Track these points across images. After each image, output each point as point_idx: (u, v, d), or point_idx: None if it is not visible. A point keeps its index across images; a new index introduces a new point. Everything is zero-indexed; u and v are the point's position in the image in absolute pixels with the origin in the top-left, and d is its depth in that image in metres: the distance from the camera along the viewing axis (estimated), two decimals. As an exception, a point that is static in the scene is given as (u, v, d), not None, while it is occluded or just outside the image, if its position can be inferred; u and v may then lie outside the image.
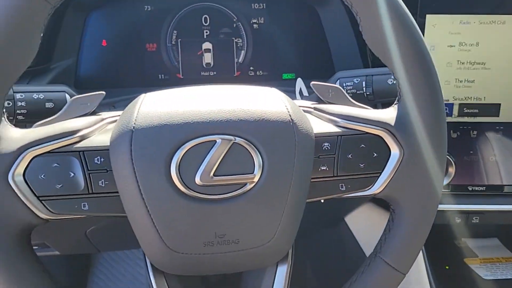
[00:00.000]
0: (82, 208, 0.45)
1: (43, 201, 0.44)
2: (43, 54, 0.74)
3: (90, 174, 0.44)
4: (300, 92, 0.71)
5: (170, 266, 0.47)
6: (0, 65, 0.41)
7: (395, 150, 0.49)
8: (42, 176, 0.44)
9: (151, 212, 0.44)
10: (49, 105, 0.60)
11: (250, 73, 0.88)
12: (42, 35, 0.43)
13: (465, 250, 0.94)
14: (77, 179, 0.44)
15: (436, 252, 0.88)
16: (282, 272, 0.54)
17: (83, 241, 0.97)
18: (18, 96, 0.59)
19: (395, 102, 0.52)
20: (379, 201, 0.95)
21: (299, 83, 0.71)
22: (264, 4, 0.87)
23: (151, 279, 0.52)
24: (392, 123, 0.49)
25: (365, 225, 0.99)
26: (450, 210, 0.81)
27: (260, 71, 0.88)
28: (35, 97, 0.60)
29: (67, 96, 0.62)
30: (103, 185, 0.45)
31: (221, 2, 0.86)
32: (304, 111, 0.51)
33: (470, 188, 0.80)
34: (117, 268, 1.38)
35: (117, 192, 0.45)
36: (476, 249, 0.94)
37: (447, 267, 0.88)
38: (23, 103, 0.59)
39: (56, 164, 0.44)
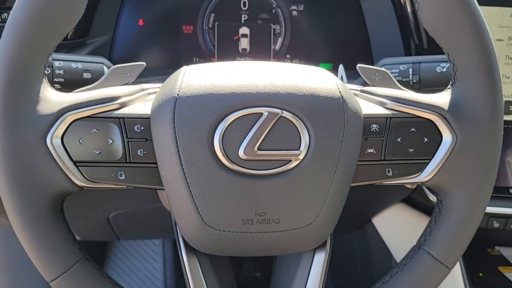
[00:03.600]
0: (119, 177, 0.44)
1: (79, 167, 0.43)
2: (80, 28, 0.74)
3: (129, 142, 0.44)
4: (341, 79, 0.69)
5: (205, 244, 0.46)
6: (48, 20, 0.41)
7: (447, 136, 0.47)
8: (80, 141, 0.43)
9: (190, 184, 0.42)
10: (86, 75, 0.60)
11: (286, 61, 0.87)
12: None
13: (499, 258, 0.91)
14: (115, 147, 0.43)
15: (469, 258, 0.85)
16: (320, 260, 0.51)
17: (105, 226, 0.97)
18: (56, 63, 0.58)
19: (448, 87, 0.49)
20: (412, 202, 0.92)
21: (341, 70, 0.69)
22: (305, -9, 0.85)
23: (184, 257, 0.50)
24: (446, 108, 0.47)
25: (395, 228, 0.96)
26: (488, 213, 0.77)
27: (297, 60, 0.87)
28: (74, 67, 0.59)
29: (105, 68, 0.62)
30: (142, 155, 0.44)
31: None
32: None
33: (511, 191, 0.77)
34: (132, 261, 1.37)
35: (155, 163, 0.44)
36: (511, 258, 0.91)
37: (481, 274, 0.85)
38: (61, 71, 0.58)
39: (95, 130, 0.43)
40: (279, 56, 0.86)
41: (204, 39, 0.85)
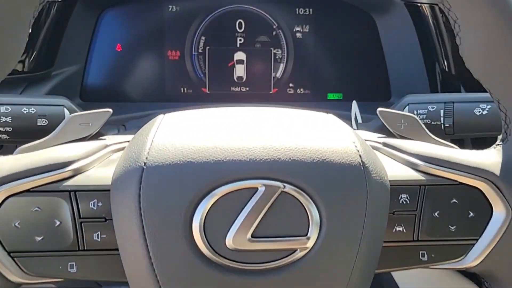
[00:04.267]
0: (69, 269, 0.38)
1: (15, 259, 0.37)
2: (43, 58, 0.69)
3: (83, 224, 0.37)
4: (355, 119, 0.60)
5: None
6: None
7: (500, 210, 0.40)
8: (16, 224, 0.37)
9: (161, 282, 0.35)
10: (41, 122, 0.54)
11: (289, 90, 0.81)
12: (30, 30, 0.37)
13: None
14: (64, 230, 0.37)
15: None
16: None
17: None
18: (3, 109, 0.52)
19: (497, 142, 0.43)
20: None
21: (355, 108, 0.60)
22: (311, 10, 0.80)
23: None
24: (497, 172, 0.40)
25: (416, 281, 0.87)
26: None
27: (301, 89, 0.81)
28: (25, 112, 0.53)
29: (66, 111, 0.56)
30: (99, 240, 0.37)
31: (260, 6, 0.80)
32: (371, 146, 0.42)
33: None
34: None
35: (117, 249, 0.37)
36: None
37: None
38: (8, 119, 0.52)
39: (37, 208, 0.37)
40: (281, 85, 0.82)
41: (193, 66, 0.80)
